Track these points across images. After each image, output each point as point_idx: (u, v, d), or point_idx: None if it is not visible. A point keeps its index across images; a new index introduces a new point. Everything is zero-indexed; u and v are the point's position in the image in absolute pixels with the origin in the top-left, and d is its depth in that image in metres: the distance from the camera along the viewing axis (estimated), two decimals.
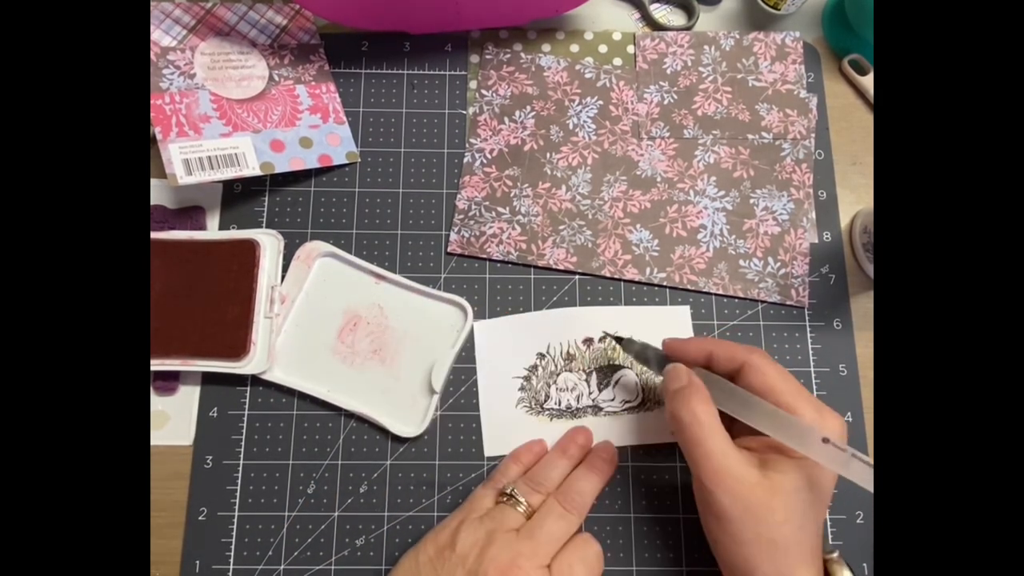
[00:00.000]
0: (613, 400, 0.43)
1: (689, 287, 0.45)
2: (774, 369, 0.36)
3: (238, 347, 0.42)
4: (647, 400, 0.43)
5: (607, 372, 0.44)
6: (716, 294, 0.45)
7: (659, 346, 0.40)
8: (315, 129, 0.47)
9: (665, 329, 0.44)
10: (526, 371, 0.44)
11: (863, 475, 0.31)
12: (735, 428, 0.36)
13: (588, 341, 0.44)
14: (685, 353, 0.39)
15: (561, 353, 0.44)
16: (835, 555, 0.35)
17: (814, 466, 0.33)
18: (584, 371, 0.44)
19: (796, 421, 0.33)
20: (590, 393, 0.43)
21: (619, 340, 0.42)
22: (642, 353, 0.41)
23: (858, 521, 0.41)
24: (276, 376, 0.42)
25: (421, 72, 0.50)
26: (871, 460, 0.31)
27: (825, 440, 0.32)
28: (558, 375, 0.43)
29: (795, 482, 0.33)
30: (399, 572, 0.35)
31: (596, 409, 0.43)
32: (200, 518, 0.41)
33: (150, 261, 0.43)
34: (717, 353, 0.37)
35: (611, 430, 0.42)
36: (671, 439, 0.43)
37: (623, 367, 0.44)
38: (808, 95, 0.49)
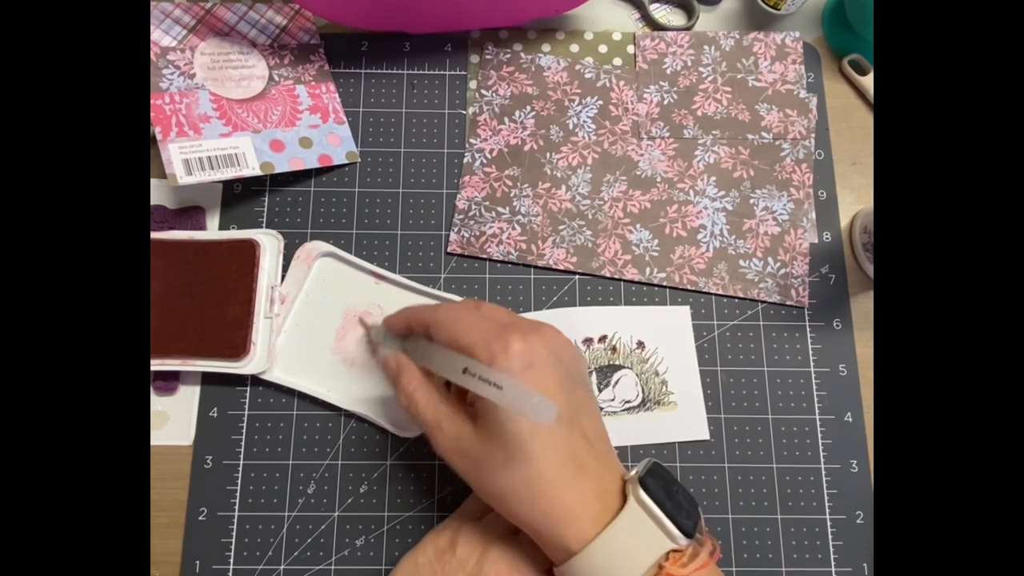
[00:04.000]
0: (613, 400, 0.43)
1: (689, 287, 0.45)
2: (453, 319, 0.35)
3: (238, 347, 0.42)
4: (647, 400, 0.43)
5: (607, 372, 0.44)
6: (716, 294, 0.45)
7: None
8: (315, 129, 0.47)
9: (665, 329, 0.44)
10: None
11: (502, 399, 0.30)
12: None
13: (588, 341, 0.44)
14: (392, 329, 0.39)
15: None
16: (633, 473, 0.32)
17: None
18: None
19: (452, 361, 0.33)
20: None
21: (367, 327, 0.43)
22: (380, 335, 0.40)
23: (858, 521, 0.41)
24: (276, 376, 0.42)
25: (421, 72, 0.50)
26: (501, 381, 0.30)
27: (465, 371, 0.31)
28: None
29: (496, 420, 0.32)
30: (399, 574, 0.35)
31: None
32: (200, 518, 0.41)
33: (150, 261, 0.43)
34: (410, 324, 0.38)
35: (611, 430, 0.42)
36: (671, 439, 0.43)
37: (623, 367, 0.44)
38: (808, 95, 0.49)
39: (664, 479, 0.32)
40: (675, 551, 0.30)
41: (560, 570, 0.31)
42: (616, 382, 0.43)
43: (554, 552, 0.32)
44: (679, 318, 0.45)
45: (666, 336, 0.44)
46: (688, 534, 0.30)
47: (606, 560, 0.30)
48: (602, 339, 0.44)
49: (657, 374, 0.44)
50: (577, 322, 0.44)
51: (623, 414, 0.43)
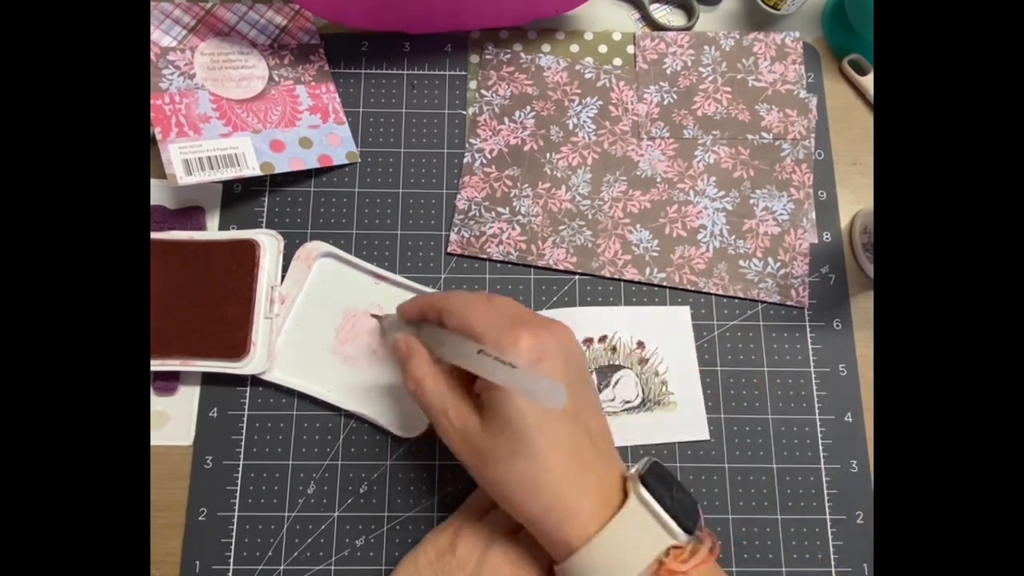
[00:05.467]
0: (613, 400, 0.43)
1: (689, 287, 0.45)
2: (466, 306, 0.34)
3: (238, 347, 0.42)
4: (647, 400, 0.43)
5: (607, 372, 0.44)
6: (716, 294, 0.45)
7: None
8: (315, 129, 0.47)
9: (665, 329, 0.44)
10: None
11: (513, 380, 0.29)
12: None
13: (588, 341, 0.44)
14: (405, 316, 0.39)
15: None
16: (633, 470, 0.33)
17: (511, 393, 0.32)
18: None
19: (463, 345, 0.32)
20: None
21: (379, 319, 0.42)
22: (393, 324, 0.40)
23: (858, 521, 0.41)
24: (276, 376, 0.42)
25: (421, 72, 0.50)
26: (513, 365, 0.29)
27: (481, 352, 0.30)
28: None
29: (504, 413, 0.31)
30: (399, 575, 0.35)
31: None
32: (200, 518, 0.41)
33: (150, 261, 0.43)
34: (423, 311, 0.37)
35: (611, 431, 0.42)
36: (671, 439, 0.43)
37: (623, 367, 0.44)
38: (808, 95, 0.49)
39: (664, 477, 0.32)
40: (675, 547, 0.30)
41: (561, 567, 0.31)
42: (616, 382, 0.43)
43: (555, 548, 0.32)
44: (679, 318, 0.45)
45: (666, 336, 0.44)
46: (688, 531, 0.30)
47: (607, 556, 0.30)
48: (602, 339, 0.44)
49: (657, 374, 0.44)
50: (577, 322, 0.44)
51: (623, 414, 0.43)
